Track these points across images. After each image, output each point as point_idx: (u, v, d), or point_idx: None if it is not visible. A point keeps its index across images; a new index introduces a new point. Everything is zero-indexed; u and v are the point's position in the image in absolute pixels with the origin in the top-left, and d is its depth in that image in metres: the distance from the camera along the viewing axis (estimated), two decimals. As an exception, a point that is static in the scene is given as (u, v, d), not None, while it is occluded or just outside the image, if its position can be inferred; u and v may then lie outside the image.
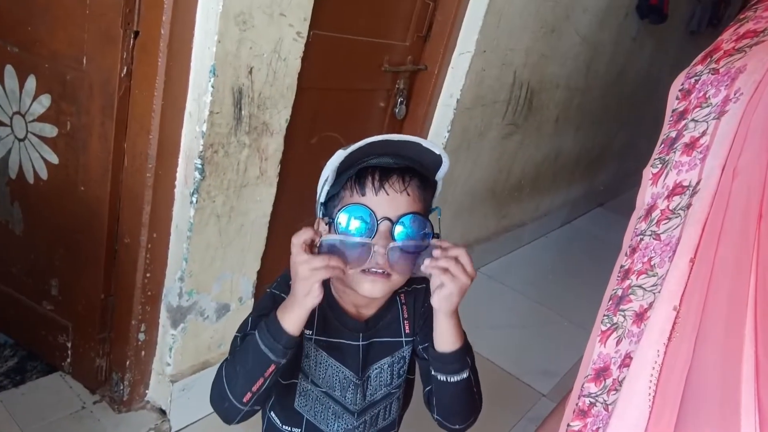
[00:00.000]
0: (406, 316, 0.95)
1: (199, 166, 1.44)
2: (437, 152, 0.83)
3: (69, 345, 1.73)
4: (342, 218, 0.79)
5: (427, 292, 0.94)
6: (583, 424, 0.55)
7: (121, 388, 1.71)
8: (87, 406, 1.70)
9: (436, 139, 2.39)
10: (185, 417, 1.75)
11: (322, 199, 0.86)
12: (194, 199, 1.47)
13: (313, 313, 0.86)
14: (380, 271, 0.81)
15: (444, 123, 2.36)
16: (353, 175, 0.82)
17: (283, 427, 0.95)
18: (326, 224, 0.84)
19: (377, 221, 0.79)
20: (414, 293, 0.97)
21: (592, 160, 4.14)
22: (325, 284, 0.88)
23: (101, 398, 1.73)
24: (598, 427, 0.52)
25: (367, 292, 0.83)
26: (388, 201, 0.81)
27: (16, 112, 1.58)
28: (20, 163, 1.63)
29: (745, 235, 0.46)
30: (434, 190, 0.90)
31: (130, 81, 1.42)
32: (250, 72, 1.44)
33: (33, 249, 1.69)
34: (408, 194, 0.82)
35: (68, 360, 1.75)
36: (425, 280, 0.95)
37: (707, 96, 0.54)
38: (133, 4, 1.36)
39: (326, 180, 0.84)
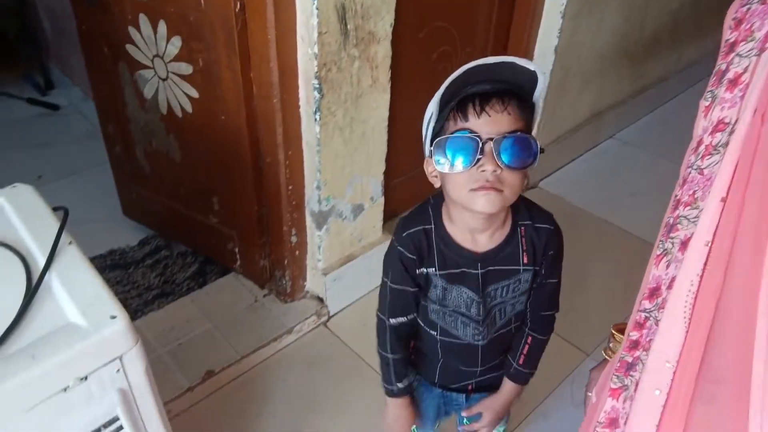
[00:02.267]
0: (525, 248, 0.99)
1: (317, 86, 1.55)
2: (531, 68, 0.85)
3: (236, 250, 2.02)
4: (450, 144, 0.85)
5: (551, 235, 1.00)
6: (639, 335, 0.62)
7: (284, 282, 1.98)
8: (259, 299, 2.01)
9: (553, 8, 2.28)
10: (339, 302, 2.01)
11: (429, 137, 0.91)
12: (317, 117, 1.60)
13: (432, 250, 0.98)
14: (490, 187, 0.85)
15: (559, -10, 2.23)
16: (455, 105, 0.87)
17: (425, 327, 1.09)
18: (435, 165, 0.89)
19: (482, 142, 0.84)
20: (536, 231, 0.99)
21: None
22: (437, 218, 0.98)
23: (269, 292, 2.03)
24: (650, 339, 0.59)
25: (482, 207, 0.86)
26: (491, 122, 0.84)
27: (155, 54, 1.77)
28: (168, 100, 1.84)
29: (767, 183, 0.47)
30: (534, 112, 0.91)
31: (245, 15, 1.52)
32: (350, -14, 1.49)
33: (192, 172, 1.95)
34: (509, 113, 0.85)
35: (238, 263, 2.05)
36: (552, 222, 1.01)
37: (753, 29, 0.52)
38: (234, -60, 1.44)
39: (430, 117, 0.90)
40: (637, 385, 0.60)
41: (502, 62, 0.85)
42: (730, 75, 0.54)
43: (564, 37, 2.33)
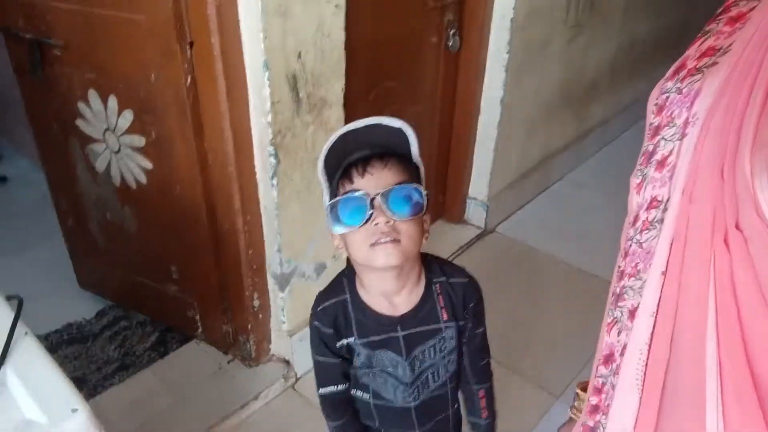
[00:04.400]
0: (442, 304, 1.01)
1: (273, 152, 1.57)
2: (397, 126, 0.90)
3: (197, 317, 1.99)
4: (342, 205, 0.89)
5: (467, 288, 1.02)
6: (599, 399, 0.65)
7: (248, 347, 1.96)
8: (223, 366, 1.98)
9: (496, 63, 2.38)
10: (306, 363, 1.99)
11: (326, 212, 0.94)
12: (274, 182, 1.61)
13: (350, 320, 0.99)
14: (388, 239, 0.88)
15: (501, 45, 2.34)
16: (340, 174, 0.91)
17: (356, 391, 1.09)
18: (334, 230, 0.92)
19: (370, 197, 0.87)
20: (451, 286, 1.02)
21: (674, 38, 3.88)
22: (352, 289, 1.00)
23: (233, 357, 2.00)
24: (608, 404, 0.62)
25: (383, 261, 0.89)
26: (375, 179, 0.89)
27: (107, 128, 1.77)
28: (121, 172, 1.84)
29: (704, 256, 0.51)
30: (418, 169, 0.95)
31: (196, 89, 1.55)
32: (299, 56, 1.53)
33: (149, 242, 1.93)
34: (390, 169, 0.90)
35: (199, 329, 2.01)
36: (465, 275, 1.04)
37: (673, 116, 0.57)
38: (182, 19, 1.47)
39: (324, 196, 0.94)
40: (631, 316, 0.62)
41: (371, 124, 0.90)
42: (657, 157, 0.58)
43: (509, 89, 2.43)
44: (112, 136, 1.77)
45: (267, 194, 1.66)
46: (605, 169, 3.34)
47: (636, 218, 0.61)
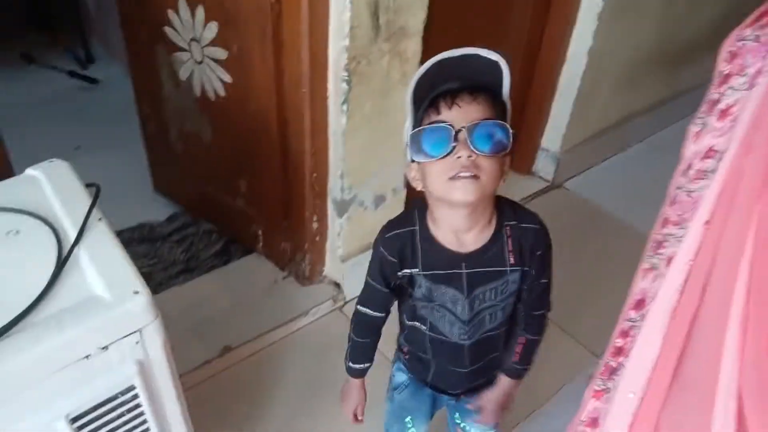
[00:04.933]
0: (510, 248, 1.00)
1: (346, 78, 1.58)
2: (494, 59, 0.88)
3: (260, 232, 2.07)
4: (425, 136, 0.88)
5: (537, 234, 1.01)
6: (624, 342, 0.65)
7: (303, 266, 2.04)
8: (278, 281, 2.07)
9: (589, 10, 2.27)
10: (355, 289, 2.03)
11: (408, 140, 0.93)
12: (345, 108, 1.63)
13: (416, 251, 1.00)
14: (468, 174, 0.87)
15: (596, -11, 2.22)
16: (427, 104, 0.90)
17: (414, 323, 1.11)
18: (414, 158, 0.92)
19: (455, 130, 0.87)
20: (522, 231, 1.00)
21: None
22: (422, 221, 1.00)
23: (289, 274, 2.09)
24: (632, 347, 0.62)
25: (460, 195, 0.89)
26: (462, 112, 0.88)
27: (192, 38, 1.82)
28: (202, 83, 1.90)
29: (749, 210, 0.49)
30: (506, 108, 0.94)
31: (280, 6, 1.56)
32: (384, -19, 1.51)
33: (222, 155, 2.01)
34: (479, 104, 0.88)
35: (261, 244, 2.10)
36: (538, 221, 1.02)
37: (746, 65, 0.54)
38: (272, -68, 1.47)
39: (406, 123, 0.93)
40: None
41: (467, 54, 0.88)
42: (721, 105, 0.56)
43: (599, 39, 2.32)
44: (197, 46, 1.82)
45: (336, 119, 1.68)
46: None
47: (689, 167, 0.59)
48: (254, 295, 2.02)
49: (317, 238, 1.96)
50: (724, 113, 0.55)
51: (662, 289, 0.57)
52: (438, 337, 1.10)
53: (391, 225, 1.03)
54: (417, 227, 1.00)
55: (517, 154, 2.66)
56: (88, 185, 1.13)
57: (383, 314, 1.12)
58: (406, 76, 1.71)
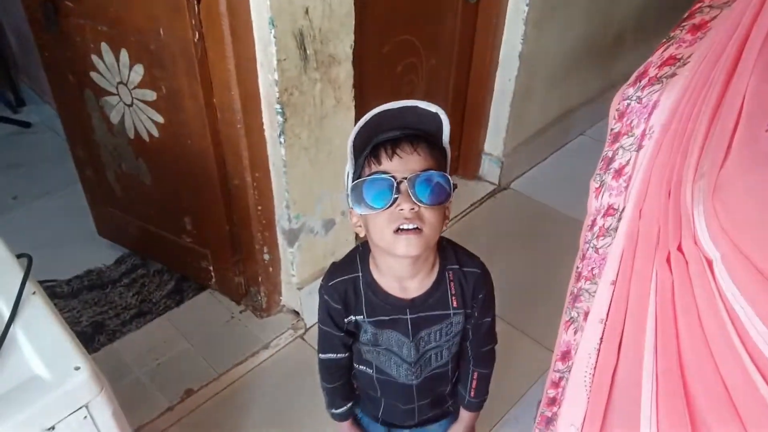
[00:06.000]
0: (453, 292, 1.01)
1: (280, 110, 1.57)
2: (433, 110, 0.89)
3: (211, 268, 2.05)
4: (367, 186, 0.88)
5: (479, 279, 1.02)
6: (556, 392, 0.66)
7: (259, 298, 2.02)
8: (235, 315, 2.05)
9: (515, 15, 2.31)
10: (315, 315, 2.03)
11: (348, 189, 0.94)
12: (282, 140, 1.62)
13: (361, 299, 1.01)
14: (411, 227, 0.88)
15: (521, -6, 2.27)
16: (368, 153, 0.90)
17: (359, 366, 1.12)
18: (355, 210, 0.92)
19: (397, 181, 0.87)
20: (464, 275, 1.02)
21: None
22: (364, 267, 1.01)
23: (245, 308, 2.07)
24: (563, 398, 0.63)
25: (403, 250, 0.89)
26: (403, 163, 0.88)
27: (119, 82, 1.78)
28: (134, 125, 1.86)
29: (647, 273, 0.51)
30: (446, 155, 0.94)
31: (204, 45, 1.54)
32: (306, 12, 1.51)
33: (163, 194, 1.97)
34: (419, 154, 0.89)
35: (213, 280, 2.07)
36: (479, 265, 1.03)
37: (632, 125, 0.56)
38: (190, -29, 1.45)
39: (348, 172, 0.94)
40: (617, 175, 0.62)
41: (406, 107, 0.89)
42: (615, 165, 0.58)
43: (528, 43, 2.37)
44: (125, 89, 1.79)
45: (275, 151, 1.67)
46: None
47: (593, 223, 0.61)
48: (212, 333, 1.99)
49: (270, 269, 1.95)
50: (618, 173, 0.57)
51: (581, 346, 0.59)
52: (385, 378, 1.11)
53: (334, 271, 1.04)
54: (360, 274, 1.01)
55: (462, 160, 2.69)
56: (19, 256, 1.09)
57: (346, 354, 1.11)
58: (341, 102, 1.72)
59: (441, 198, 0.89)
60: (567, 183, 2.82)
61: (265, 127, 1.64)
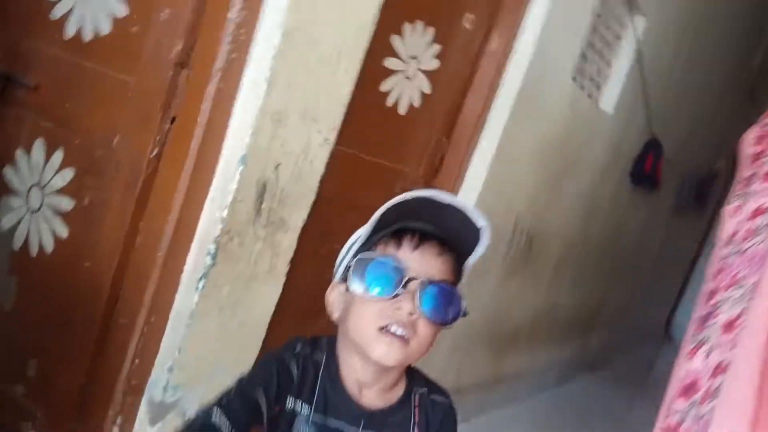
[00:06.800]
0: (417, 419, 0.87)
1: (212, 252, 1.42)
2: (479, 225, 0.81)
3: (31, 435, 1.59)
4: (373, 267, 0.77)
5: (447, 413, 0.90)
6: None
7: (80, 491, 1.54)
8: (38, 507, 1.53)
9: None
10: None
11: (347, 258, 0.83)
12: (200, 285, 1.44)
13: (314, 384, 0.82)
14: (401, 332, 0.76)
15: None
16: (390, 232, 0.81)
17: None
18: (350, 285, 0.80)
19: (407, 277, 0.76)
20: (432, 404, 0.89)
21: (586, 319, 4.13)
22: (330, 353, 0.85)
23: (55, 501, 1.56)
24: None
25: (381, 356, 0.77)
26: (424, 262, 0.79)
27: (35, 184, 1.59)
28: (27, 235, 1.61)
29: None
30: (462, 274, 0.87)
31: (158, 163, 1.45)
32: (277, 168, 1.49)
33: (18, 326, 1.62)
34: (443, 261, 0.80)
35: (27, 453, 1.60)
36: (448, 398, 0.92)
37: None
38: (174, 92, 1.43)
39: (358, 238, 0.83)
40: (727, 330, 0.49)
41: (456, 206, 0.81)
42: (764, 169, 0.56)
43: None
44: (38, 193, 1.58)
45: (186, 297, 1.45)
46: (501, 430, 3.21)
47: (733, 234, 0.56)
48: None
49: (112, 451, 1.54)
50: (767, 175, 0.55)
51: (744, 337, 0.47)
52: None
53: (302, 342, 0.85)
54: (323, 361, 0.83)
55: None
56: None
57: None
58: (274, 270, 1.59)
59: (446, 318, 0.80)
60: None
61: (186, 265, 1.46)
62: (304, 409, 0.82)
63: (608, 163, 3.36)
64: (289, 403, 0.81)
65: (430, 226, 0.81)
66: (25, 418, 1.60)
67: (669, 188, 4.37)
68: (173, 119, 1.44)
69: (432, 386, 0.91)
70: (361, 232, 0.83)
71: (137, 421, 1.53)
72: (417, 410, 0.87)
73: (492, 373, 3.16)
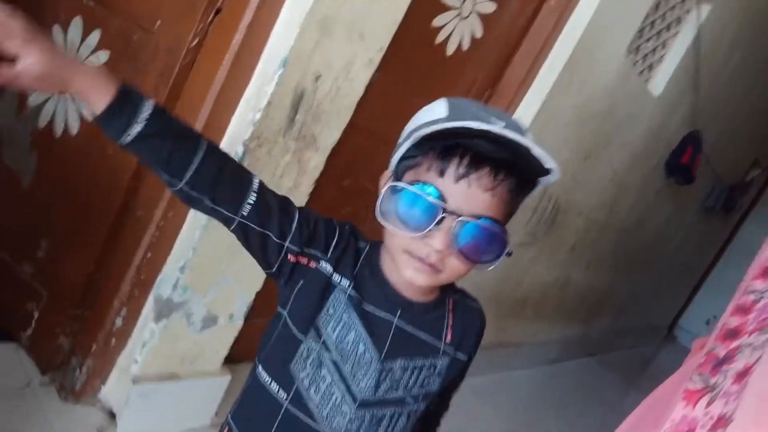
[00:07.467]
0: (451, 322, 0.84)
1: (239, 154, 1.38)
2: (548, 166, 0.70)
3: (35, 315, 1.57)
4: (405, 197, 0.70)
5: (481, 316, 0.88)
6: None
7: (76, 375, 1.53)
8: (33, 385, 1.52)
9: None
10: (135, 425, 1.55)
11: (399, 152, 0.76)
12: (223, 187, 1.39)
13: (355, 262, 0.79)
14: (429, 261, 0.72)
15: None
16: (439, 150, 0.71)
17: (271, 384, 0.79)
18: (380, 218, 0.74)
19: (443, 212, 0.68)
20: (466, 308, 0.87)
21: (593, 303, 4.08)
22: (374, 243, 0.82)
23: (50, 381, 1.55)
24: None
25: (409, 277, 0.73)
26: (469, 195, 0.69)
27: (70, 63, 1.54)
28: (53, 115, 1.57)
29: None
30: (530, 190, 0.77)
31: (197, 53, 1.39)
32: (317, 79, 1.42)
33: (34, 204, 1.59)
34: (494, 195, 0.70)
35: (29, 332, 1.58)
36: (479, 305, 0.90)
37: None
38: (224, -18, 1.37)
39: (409, 133, 0.73)
40: (739, 378, 0.42)
41: (517, 141, 0.67)
42: None
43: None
44: (70, 72, 1.53)
45: (207, 198, 1.42)
46: (505, 394, 3.20)
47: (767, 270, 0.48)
48: (-12, 395, 1.45)
49: (112, 341, 1.52)
50: None
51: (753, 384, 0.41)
52: (298, 417, 0.77)
53: (351, 226, 0.83)
54: (365, 249, 0.81)
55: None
56: None
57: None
58: (299, 188, 1.55)
59: (485, 259, 0.73)
60: None
61: (212, 165, 1.41)
62: (343, 282, 0.78)
63: (645, 148, 3.26)
64: (327, 266, 0.78)
65: (490, 146, 0.68)
66: (30, 298, 1.58)
67: (700, 187, 4.26)
68: (218, 10, 1.38)
69: (464, 293, 0.88)
70: (412, 127, 0.75)
71: (141, 316, 1.51)
72: (451, 315, 0.84)
73: (493, 338, 3.13)
